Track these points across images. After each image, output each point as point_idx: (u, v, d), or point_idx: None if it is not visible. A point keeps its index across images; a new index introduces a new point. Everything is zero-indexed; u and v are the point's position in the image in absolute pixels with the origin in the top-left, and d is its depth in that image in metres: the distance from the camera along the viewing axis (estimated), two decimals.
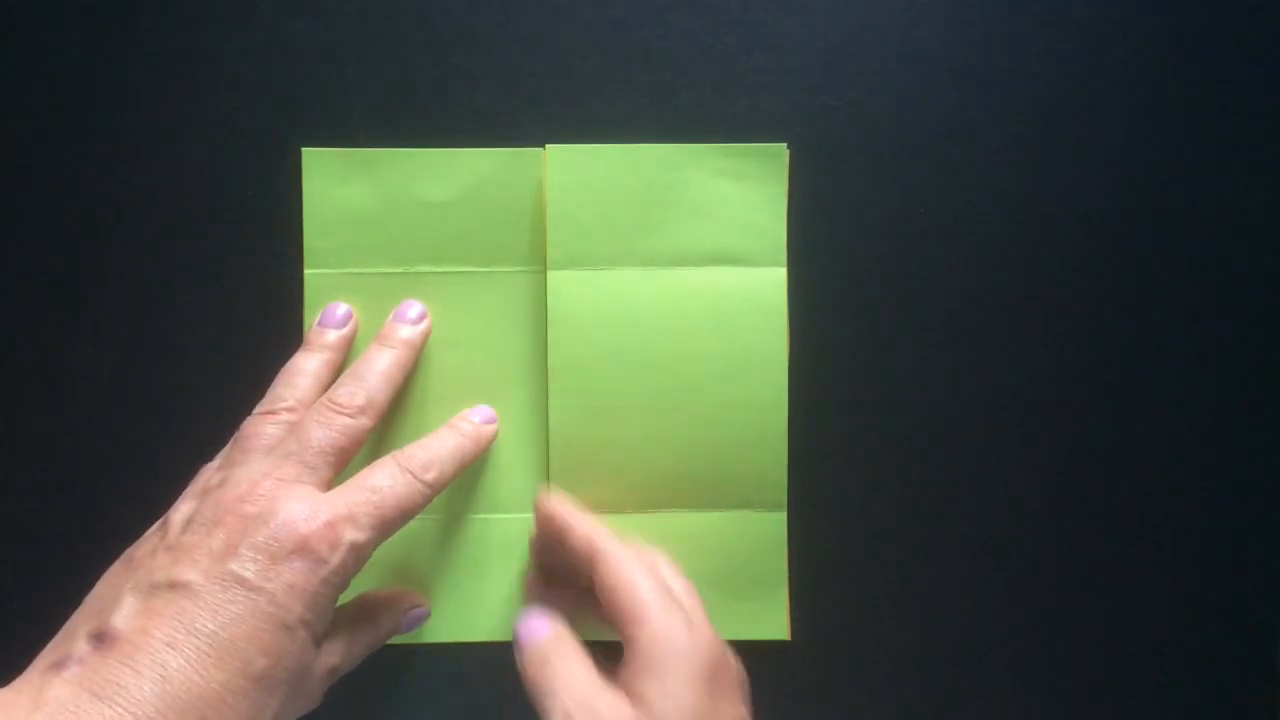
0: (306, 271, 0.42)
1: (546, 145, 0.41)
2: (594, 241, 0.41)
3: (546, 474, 0.41)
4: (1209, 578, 0.44)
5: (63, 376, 0.42)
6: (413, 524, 0.37)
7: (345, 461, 0.37)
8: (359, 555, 0.34)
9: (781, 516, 0.42)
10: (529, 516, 0.42)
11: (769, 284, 0.42)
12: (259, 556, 0.32)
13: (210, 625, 0.31)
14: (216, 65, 0.43)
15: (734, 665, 0.37)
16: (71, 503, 0.42)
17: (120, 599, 0.32)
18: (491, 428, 0.41)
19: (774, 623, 0.42)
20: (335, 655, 0.36)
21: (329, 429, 0.36)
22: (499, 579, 0.42)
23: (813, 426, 0.43)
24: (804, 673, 0.43)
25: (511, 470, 0.42)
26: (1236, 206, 0.44)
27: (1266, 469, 0.44)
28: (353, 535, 0.33)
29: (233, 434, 0.38)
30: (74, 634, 0.32)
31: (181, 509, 0.35)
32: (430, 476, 0.37)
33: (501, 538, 0.42)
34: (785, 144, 0.42)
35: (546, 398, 0.41)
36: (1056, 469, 0.44)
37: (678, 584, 0.37)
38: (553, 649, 0.36)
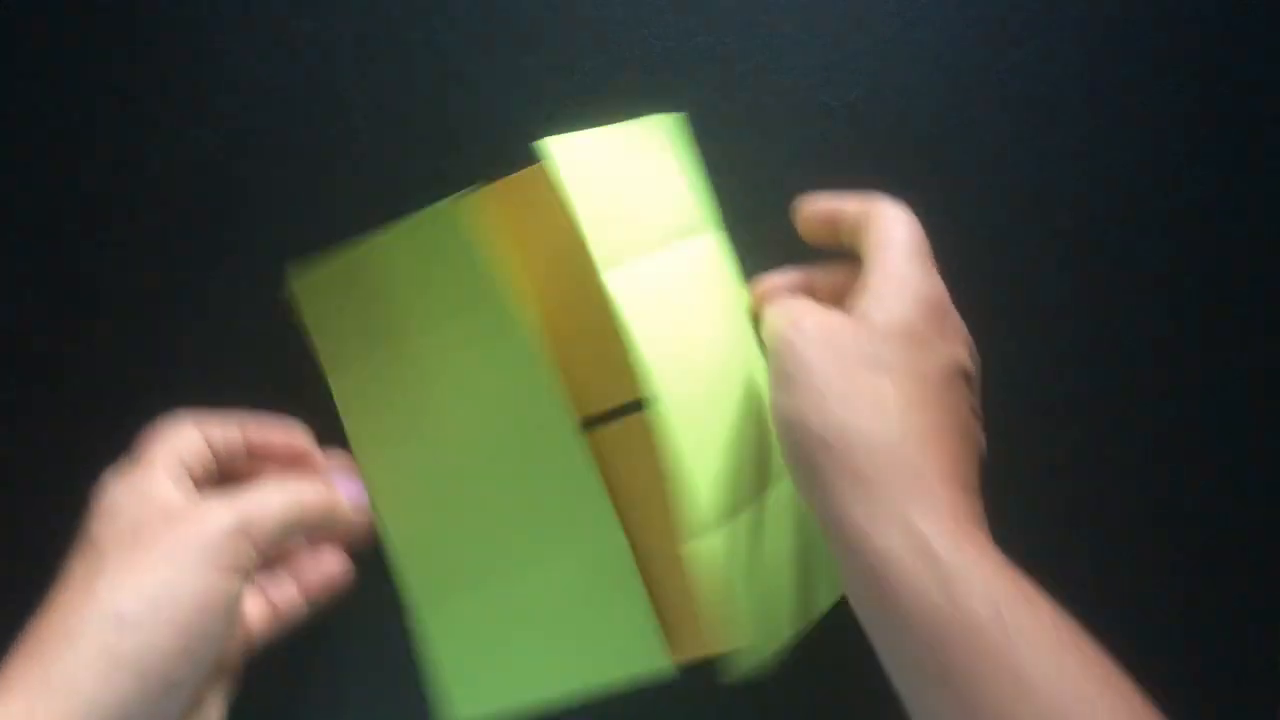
0: (333, 382, 0.41)
1: (540, 142, 0.37)
2: (629, 229, 0.37)
3: (601, 495, 0.39)
4: (1209, 577, 0.44)
5: (61, 376, 0.42)
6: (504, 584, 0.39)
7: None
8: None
9: None
10: (595, 548, 0.39)
11: (722, 248, 0.40)
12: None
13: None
14: (216, 66, 0.43)
15: (962, 325, 0.36)
16: (72, 502, 0.42)
17: None
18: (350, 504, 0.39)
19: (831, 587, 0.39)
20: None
21: None
22: (597, 616, 0.40)
23: None
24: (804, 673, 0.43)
25: (570, 505, 0.40)
26: (1237, 207, 0.44)
27: (1267, 469, 0.44)
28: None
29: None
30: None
31: None
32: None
33: (581, 574, 0.40)
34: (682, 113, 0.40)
35: (571, 431, 0.38)
36: (1054, 468, 0.44)
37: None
38: (785, 290, 0.37)
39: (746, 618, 0.36)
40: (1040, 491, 0.44)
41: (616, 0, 0.43)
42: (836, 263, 0.38)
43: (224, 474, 0.37)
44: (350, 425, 0.41)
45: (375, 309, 0.40)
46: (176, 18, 0.42)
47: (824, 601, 0.38)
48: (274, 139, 0.42)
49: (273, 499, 0.35)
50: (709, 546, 0.35)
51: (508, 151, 0.42)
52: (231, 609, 0.32)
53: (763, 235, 0.43)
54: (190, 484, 0.35)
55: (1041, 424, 0.44)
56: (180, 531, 0.32)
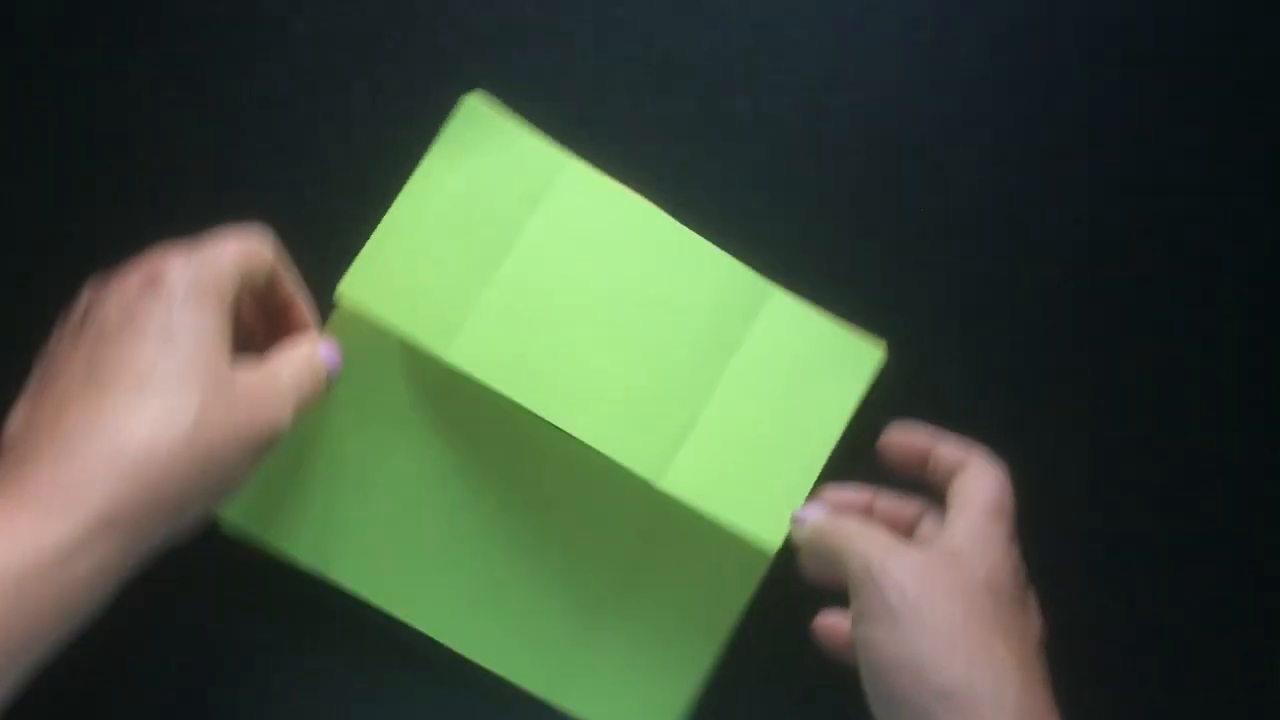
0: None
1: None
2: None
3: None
4: (1209, 577, 0.44)
5: None
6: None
7: None
8: (216, 272, 0.32)
9: None
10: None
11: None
12: (110, 305, 0.31)
13: (85, 372, 0.30)
14: (216, 66, 0.43)
15: (1026, 599, 0.36)
16: None
17: (13, 413, 0.31)
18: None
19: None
20: (262, 369, 0.34)
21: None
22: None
23: None
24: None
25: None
26: (1237, 207, 0.44)
27: (1267, 469, 0.44)
28: (200, 257, 0.32)
29: None
30: None
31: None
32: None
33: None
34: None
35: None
36: (1051, 468, 0.44)
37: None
38: (835, 517, 0.37)
39: (753, 498, 0.39)
40: (1035, 490, 0.44)
41: (616, 0, 0.43)
42: (902, 495, 0.39)
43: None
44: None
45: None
46: (175, 18, 0.42)
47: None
48: (273, 139, 0.42)
49: (306, 392, 0.35)
50: (680, 465, 0.39)
51: None
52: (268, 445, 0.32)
53: (762, 235, 0.43)
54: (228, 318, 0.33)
55: (1041, 421, 0.44)
56: (247, 421, 0.31)
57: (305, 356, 0.36)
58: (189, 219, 0.43)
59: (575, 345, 0.40)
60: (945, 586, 0.33)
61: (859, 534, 0.35)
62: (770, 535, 0.40)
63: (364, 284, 0.39)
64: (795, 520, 0.39)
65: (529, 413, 0.39)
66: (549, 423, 0.39)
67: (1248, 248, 0.44)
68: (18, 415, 0.31)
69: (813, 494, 0.40)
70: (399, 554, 0.41)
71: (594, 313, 0.40)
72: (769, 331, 0.41)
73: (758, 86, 0.43)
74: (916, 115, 0.44)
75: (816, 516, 0.38)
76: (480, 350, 0.39)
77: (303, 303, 0.38)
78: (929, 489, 0.39)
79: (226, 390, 0.31)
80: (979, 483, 0.36)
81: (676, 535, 0.41)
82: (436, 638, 0.41)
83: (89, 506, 0.27)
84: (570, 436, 0.39)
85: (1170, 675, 0.44)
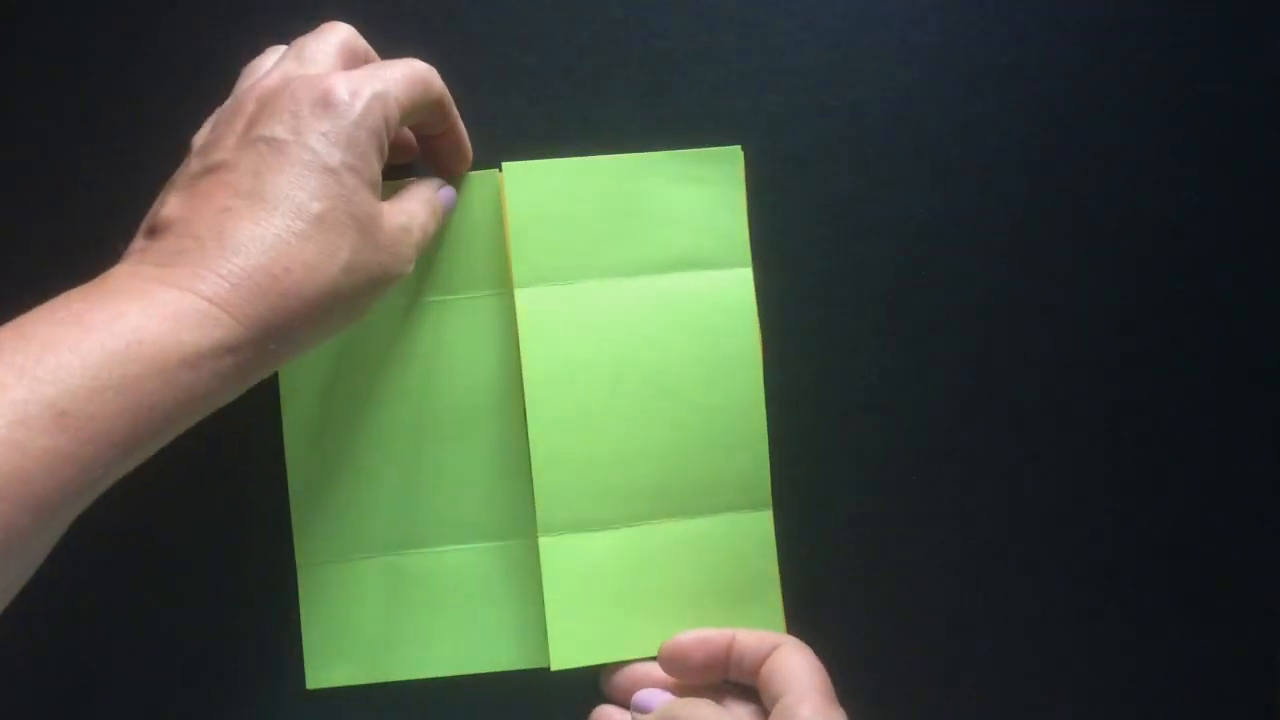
0: None
1: (502, 164, 0.41)
2: (558, 256, 0.41)
3: (532, 496, 0.41)
4: (1209, 577, 0.44)
5: None
6: (401, 559, 0.40)
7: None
8: (385, 105, 0.33)
9: (767, 515, 0.42)
10: (515, 543, 0.42)
11: (735, 285, 0.42)
12: (284, 118, 0.32)
13: (252, 184, 0.31)
14: (215, 66, 0.43)
15: None
16: None
17: (165, 198, 0.33)
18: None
19: (770, 621, 0.42)
20: (401, 214, 0.36)
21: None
22: (492, 607, 0.42)
23: (794, 425, 0.43)
24: None
25: (496, 497, 0.42)
26: (1237, 207, 0.44)
27: (1267, 469, 0.44)
28: (373, 86, 0.33)
29: (233, 429, 0.38)
30: (129, 244, 0.33)
31: (203, 129, 0.36)
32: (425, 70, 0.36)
33: (490, 566, 0.42)
34: (740, 146, 0.42)
35: (525, 419, 0.41)
36: (1049, 468, 0.44)
37: None
38: (681, 704, 0.37)
39: (586, 625, 0.41)
40: (1032, 490, 0.44)
41: (616, 0, 0.43)
42: (730, 696, 0.40)
43: None
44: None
45: None
46: (175, 18, 0.42)
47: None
48: None
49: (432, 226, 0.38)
50: (556, 546, 0.41)
51: (508, 151, 0.42)
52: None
53: (762, 236, 0.43)
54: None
55: (1040, 421, 0.44)
56: (392, 262, 0.34)
57: (428, 200, 0.38)
58: None
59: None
60: None
61: None
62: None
63: None
64: (634, 706, 0.39)
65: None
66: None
67: (1251, 247, 0.44)
68: (173, 199, 0.32)
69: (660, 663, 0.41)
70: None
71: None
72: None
73: (758, 86, 0.43)
74: (916, 115, 0.43)
75: (660, 703, 0.38)
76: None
77: (458, 132, 0.40)
78: (727, 684, 0.40)
79: (373, 235, 0.33)
80: (801, 662, 0.37)
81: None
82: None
83: (252, 317, 0.30)
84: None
85: (1170, 675, 0.44)
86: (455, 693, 0.42)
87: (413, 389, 0.42)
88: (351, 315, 0.34)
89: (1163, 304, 0.44)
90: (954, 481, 0.44)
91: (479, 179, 0.42)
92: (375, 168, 0.33)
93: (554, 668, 0.40)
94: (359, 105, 0.33)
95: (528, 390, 0.41)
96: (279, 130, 0.32)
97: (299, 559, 0.41)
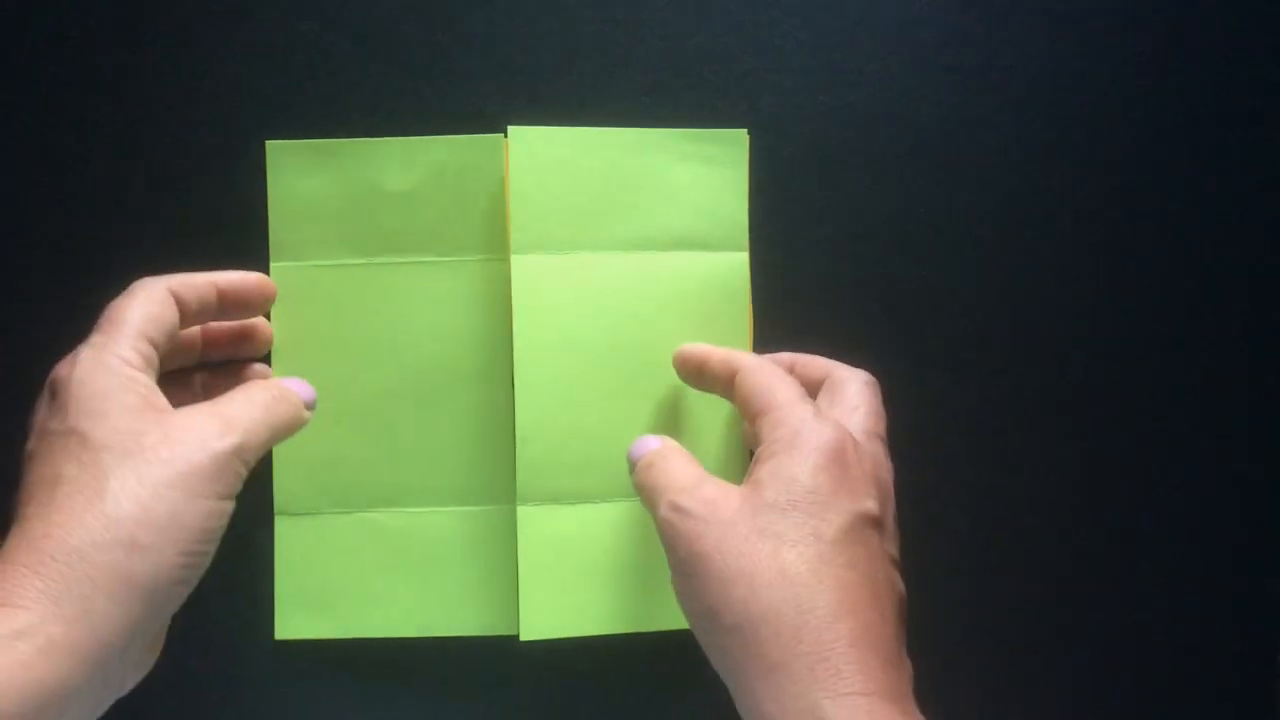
0: (272, 264, 0.41)
1: (508, 128, 0.41)
2: (557, 225, 0.41)
3: (514, 464, 0.41)
4: (1209, 577, 0.44)
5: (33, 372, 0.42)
6: (378, 517, 0.41)
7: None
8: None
9: None
10: (492, 509, 0.42)
11: (731, 268, 0.42)
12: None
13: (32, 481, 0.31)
14: (187, 60, 0.43)
15: (873, 464, 0.34)
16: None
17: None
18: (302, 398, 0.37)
19: None
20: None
21: None
22: (465, 572, 0.42)
23: None
24: None
25: (477, 462, 0.42)
26: (1236, 207, 0.44)
27: (1266, 469, 0.44)
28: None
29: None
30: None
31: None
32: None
33: (466, 530, 0.42)
34: (746, 129, 0.42)
35: (512, 387, 0.41)
36: (1048, 466, 0.44)
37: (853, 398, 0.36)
38: (659, 454, 0.36)
39: (558, 598, 0.41)
40: (1031, 490, 0.44)
41: (616, 0, 0.43)
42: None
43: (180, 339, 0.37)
44: (277, 312, 0.41)
45: (351, 204, 0.41)
46: (175, 18, 0.42)
47: (651, 624, 0.41)
48: (243, 133, 0.42)
49: (258, 417, 0.34)
50: (534, 516, 0.41)
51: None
52: (222, 531, 0.32)
53: (761, 236, 0.43)
54: (155, 360, 0.34)
55: (1039, 420, 0.44)
56: (183, 452, 0.31)
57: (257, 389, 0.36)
58: (188, 219, 0.43)
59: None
60: (727, 522, 0.31)
61: (651, 486, 0.34)
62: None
63: None
64: (629, 457, 0.37)
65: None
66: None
67: (1251, 247, 0.44)
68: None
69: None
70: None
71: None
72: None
73: (758, 86, 0.43)
74: (916, 115, 0.43)
75: (646, 451, 0.36)
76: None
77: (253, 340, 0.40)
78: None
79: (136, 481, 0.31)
80: (760, 386, 0.35)
81: None
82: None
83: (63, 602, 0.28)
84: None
85: (1170, 675, 0.44)
86: (423, 655, 0.42)
87: (401, 349, 0.42)
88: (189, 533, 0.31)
89: (1163, 304, 0.44)
90: (950, 478, 0.44)
91: (482, 142, 0.41)
92: (114, 422, 0.32)
93: (523, 638, 0.40)
94: (76, 377, 0.32)
95: (517, 358, 0.40)
96: (30, 439, 0.33)
97: (277, 508, 0.41)
